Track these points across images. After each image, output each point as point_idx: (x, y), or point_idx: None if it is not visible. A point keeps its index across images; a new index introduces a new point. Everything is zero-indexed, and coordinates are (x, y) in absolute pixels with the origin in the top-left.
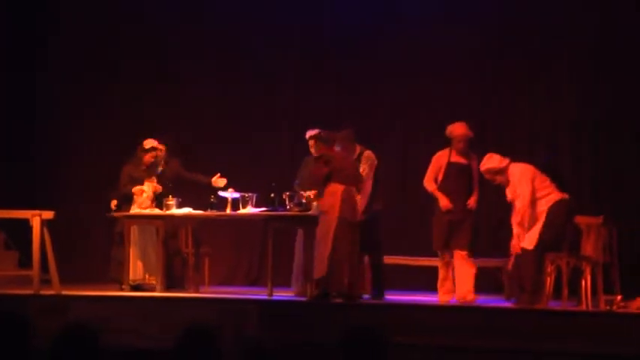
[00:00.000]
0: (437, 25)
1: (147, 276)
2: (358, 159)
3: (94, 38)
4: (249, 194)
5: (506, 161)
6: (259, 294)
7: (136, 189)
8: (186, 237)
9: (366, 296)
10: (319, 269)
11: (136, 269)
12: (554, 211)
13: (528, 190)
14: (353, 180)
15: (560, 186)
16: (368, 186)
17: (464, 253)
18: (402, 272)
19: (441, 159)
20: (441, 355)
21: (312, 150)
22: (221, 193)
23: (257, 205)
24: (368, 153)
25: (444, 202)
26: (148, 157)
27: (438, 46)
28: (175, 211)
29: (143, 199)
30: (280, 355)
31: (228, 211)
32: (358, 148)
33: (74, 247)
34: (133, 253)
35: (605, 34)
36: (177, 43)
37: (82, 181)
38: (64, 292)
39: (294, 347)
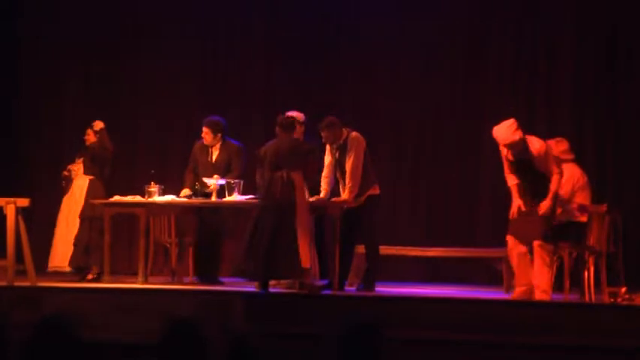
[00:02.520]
0: None
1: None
2: (345, 142)
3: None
4: (235, 181)
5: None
6: (246, 285)
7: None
8: (169, 226)
9: (350, 288)
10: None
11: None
12: None
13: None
14: (283, 163)
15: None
16: (356, 170)
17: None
18: (391, 263)
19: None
20: (435, 350)
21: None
22: (206, 180)
23: (244, 193)
24: (354, 135)
25: (517, 203)
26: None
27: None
28: (157, 198)
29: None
30: (267, 350)
31: (214, 198)
32: (345, 132)
33: (51, 236)
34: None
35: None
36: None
37: (59, 166)
38: (40, 284)
39: (280, 340)
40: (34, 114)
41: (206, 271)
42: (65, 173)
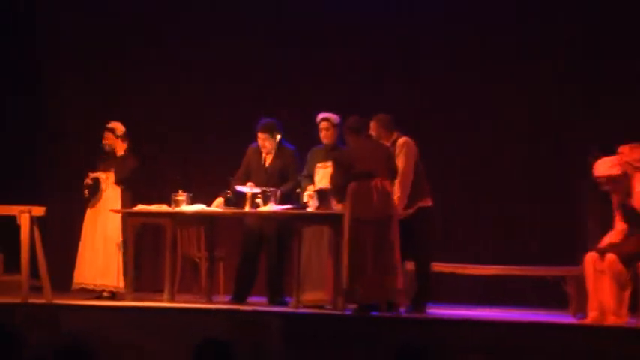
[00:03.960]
0: None
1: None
2: (392, 147)
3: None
4: (271, 189)
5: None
6: (281, 305)
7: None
8: (198, 238)
9: (401, 309)
10: (344, 279)
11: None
12: None
13: None
14: (372, 171)
15: None
16: (407, 178)
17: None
18: (444, 282)
19: None
20: None
21: (324, 139)
22: (239, 188)
23: (281, 203)
24: (404, 139)
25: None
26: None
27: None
28: (185, 208)
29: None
30: None
31: (247, 208)
32: (394, 135)
33: (68, 248)
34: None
35: None
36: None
37: (77, 173)
38: (57, 301)
39: None
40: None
41: (274, 290)
42: (89, 182)
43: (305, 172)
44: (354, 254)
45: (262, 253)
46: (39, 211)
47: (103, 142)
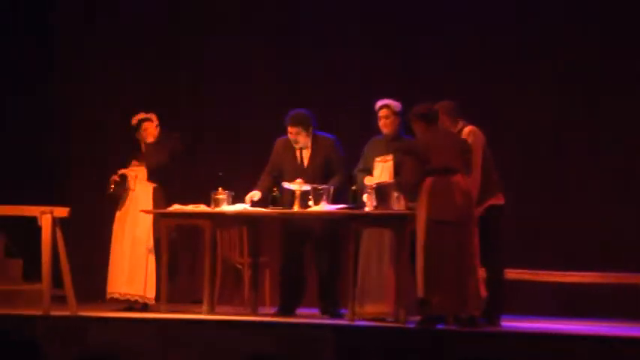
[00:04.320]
0: None
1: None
2: None
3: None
4: (324, 187)
5: None
6: (335, 318)
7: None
8: (241, 242)
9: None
10: (419, 287)
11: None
12: None
13: None
14: (451, 165)
15: None
16: (477, 172)
17: None
18: (519, 291)
19: None
20: None
21: (384, 128)
22: (286, 185)
23: (335, 201)
24: (470, 128)
25: None
26: (141, 133)
27: None
28: (227, 208)
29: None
30: None
31: (296, 208)
32: (459, 124)
33: (95, 254)
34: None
35: None
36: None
37: (105, 171)
38: (82, 313)
39: None
40: (74, 106)
41: (327, 301)
42: (116, 178)
43: (361, 166)
44: (432, 259)
45: (306, 256)
46: (62, 211)
47: (142, 134)
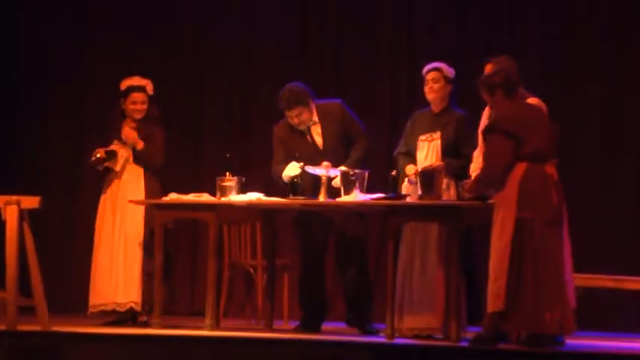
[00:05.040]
0: None
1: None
2: None
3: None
4: (356, 172)
5: None
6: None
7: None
8: (253, 241)
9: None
10: (493, 300)
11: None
12: None
13: None
14: (546, 150)
15: None
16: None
17: None
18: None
19: None
20: None
21: (430, 94)
22: (310, 170)
23: (369, 190)
24: (534, 101)
25: None
26: (128, 105)
27: None
28: (236, 197)
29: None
30: None
31: (322, 198)
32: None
33: (71, 254)
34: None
35: None
36: None
37: (78, 154)
38: (55, 328)
39: None
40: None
41: (357, 313)
42: (101, 154)
43: (403, 148)
44: (518, 265)
45: (329, 259)
46: (31, 201)
47: (130, 107)
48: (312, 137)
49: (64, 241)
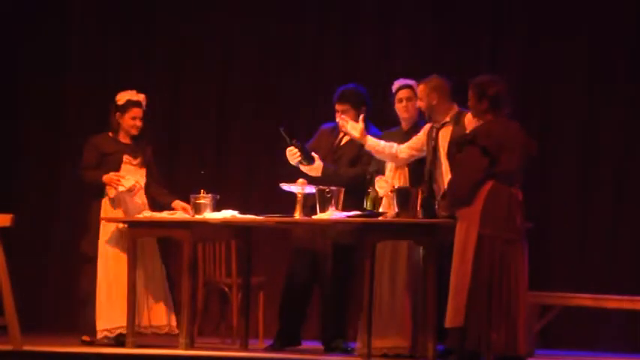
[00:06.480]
0: None
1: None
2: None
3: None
4: (332, 188)
5: None
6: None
7: (108, 177)
8: (228, 259)
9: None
10: (452, 315)
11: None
12: None
13: None
14: (515, 173)
15: None
16: None
17: None
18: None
19: None
20: None
21: (405, 113)
22: (285, 186)
23: (345, 207)
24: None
25: None
26: (127, 120)
27: None
28: (210, 215)
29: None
30: None
31: (298, 215)
32: (454, 108)
33: (45, 272)
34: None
35: None
36: None
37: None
38: (28, 348)
39: None
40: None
41: (332, 332)
42: (122, 187)
43: (375, 166)
44: (480, 283)
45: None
46: (3, 219)
47: (130, 122)
48: (339, 141)
49: (38, 254)
